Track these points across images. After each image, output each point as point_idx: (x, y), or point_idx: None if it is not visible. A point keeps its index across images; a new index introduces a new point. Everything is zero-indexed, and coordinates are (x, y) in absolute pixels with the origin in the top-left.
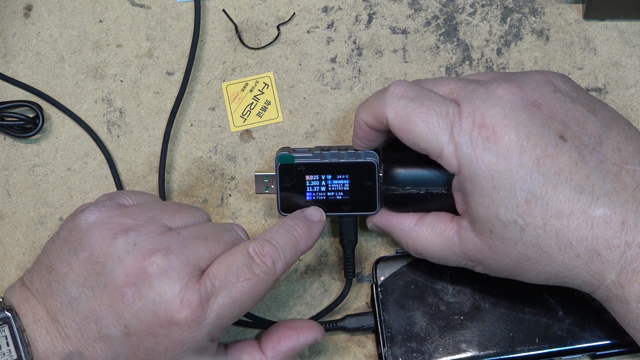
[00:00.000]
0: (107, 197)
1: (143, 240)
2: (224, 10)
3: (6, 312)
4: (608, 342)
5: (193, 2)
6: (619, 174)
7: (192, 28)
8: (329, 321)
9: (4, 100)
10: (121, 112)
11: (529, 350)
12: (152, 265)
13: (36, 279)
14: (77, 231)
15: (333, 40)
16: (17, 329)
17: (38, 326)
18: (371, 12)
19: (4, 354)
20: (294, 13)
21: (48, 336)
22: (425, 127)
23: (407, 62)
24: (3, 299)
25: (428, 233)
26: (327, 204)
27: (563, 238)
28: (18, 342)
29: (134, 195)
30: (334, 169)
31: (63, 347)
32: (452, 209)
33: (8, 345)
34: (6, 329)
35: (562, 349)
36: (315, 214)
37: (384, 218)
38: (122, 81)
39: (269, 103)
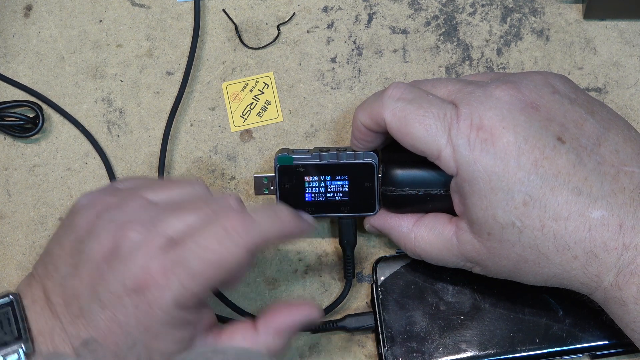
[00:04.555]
0: (108, 184)
1: (121, 216)
2: (224, 10)
3: (10, 297)
4: (608, 342)
5: (193, 2)
6: (617, 176)
7: (192, 28)
8: (329, 321)
9: (4, 100)
10: (121, 112)
11: (529, 350)
12: (124, 239)
13: (39, 264)
14: (71, 214)
15: (333, 40)
16: (18, 310)
17: (34, 306)
18: (371, 12)
19: (5, 333)
20: (294, 13)
21: (42, 315)
22: (422, 129)
23: (407, 62)
24: (15, 289)
25: (426, 234)
26: (326, 205)
27: (561, 240)
28: (19, 322)
29: (133, 179)
30: (333, 170)
31: (54, 324)
32: (450, 210)
33: (10, 325)
34: (9, 310)
35: (562, 349)
36: (305, 215)
37: (381, 219)
38: (122, 81)
39: (269, 103)
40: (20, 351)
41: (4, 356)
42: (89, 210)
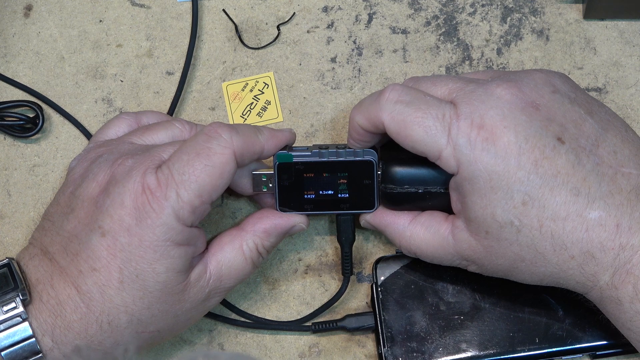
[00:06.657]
0: (93, 139)
1: (113, 156)
2: (224, 10)
3: (7, 259)
4: (608, 342)
5: (191, 2)
6: (614, 177)
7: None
8: (329, 321)
9: (4, 100)
10: (121, 112)
11: (529, 350)
12: (120, 166)
13: (36, 231)
14: (67, 175)
15: (333, 40)
16: (13, 267)
17: (32, 261)
18: (371, 12)
19: (2, 287)
20: (294, 13)
21: (40, 266)
22: (422, 131)
23: (407, 62)
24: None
25: (422, 232)
26: (325, 202)
27: (558, 240)
28: (15, 276)
29: (113, 127)
30: (333, 167)
31: (52, 270)
32: (448, 208)
33: (7, 280)
34: (6, 270)
35: (562, 348)
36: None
37: (378, 216)
38: (122, 81)
39: (269, 103)
40: (18, 299)
41: (2, 305)
42: (81, 163)
